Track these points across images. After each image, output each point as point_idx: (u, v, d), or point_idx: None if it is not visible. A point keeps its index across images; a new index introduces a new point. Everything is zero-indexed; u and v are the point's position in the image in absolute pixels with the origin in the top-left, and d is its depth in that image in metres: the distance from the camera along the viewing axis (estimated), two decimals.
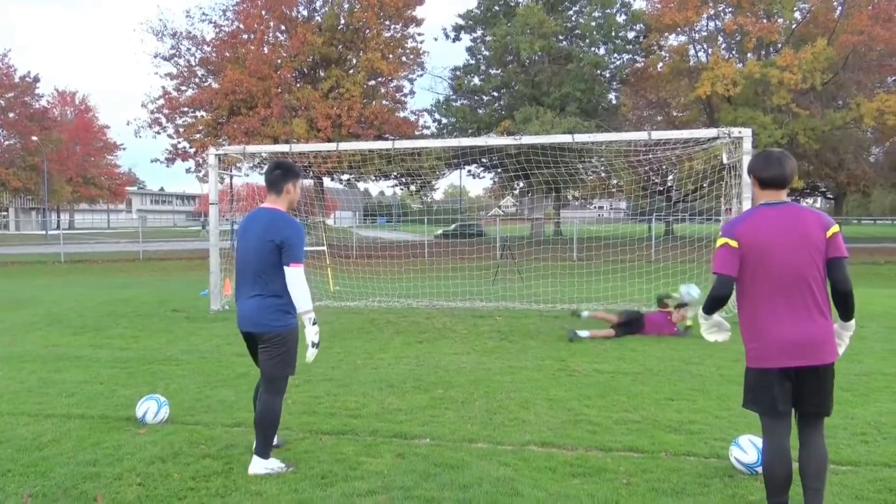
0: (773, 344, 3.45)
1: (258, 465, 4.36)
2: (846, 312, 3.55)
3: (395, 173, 32.29)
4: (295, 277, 4.29)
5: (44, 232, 52.27)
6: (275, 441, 4.60)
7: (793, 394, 3.49)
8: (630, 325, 9.54)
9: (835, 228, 3.46)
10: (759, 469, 3.84)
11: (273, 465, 4.39)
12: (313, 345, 4.38)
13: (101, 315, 12.10)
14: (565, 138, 13.61)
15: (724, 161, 11.58)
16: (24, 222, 73.94)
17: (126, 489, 4.12)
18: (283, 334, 4.37)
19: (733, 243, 3.52)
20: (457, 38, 39.44)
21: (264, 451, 4.39)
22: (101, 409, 5.88)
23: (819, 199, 74.94)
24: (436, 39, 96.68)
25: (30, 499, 3.99)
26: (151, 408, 5.46)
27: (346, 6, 32.66)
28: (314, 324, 4.37)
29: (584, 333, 9.24)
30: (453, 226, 41.07)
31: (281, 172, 4.56)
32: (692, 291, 9.42)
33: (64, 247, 31.89)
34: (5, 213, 72.21)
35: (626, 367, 7.57)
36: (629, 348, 8.70)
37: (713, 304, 3.67)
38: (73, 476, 4.32)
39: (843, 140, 35.22)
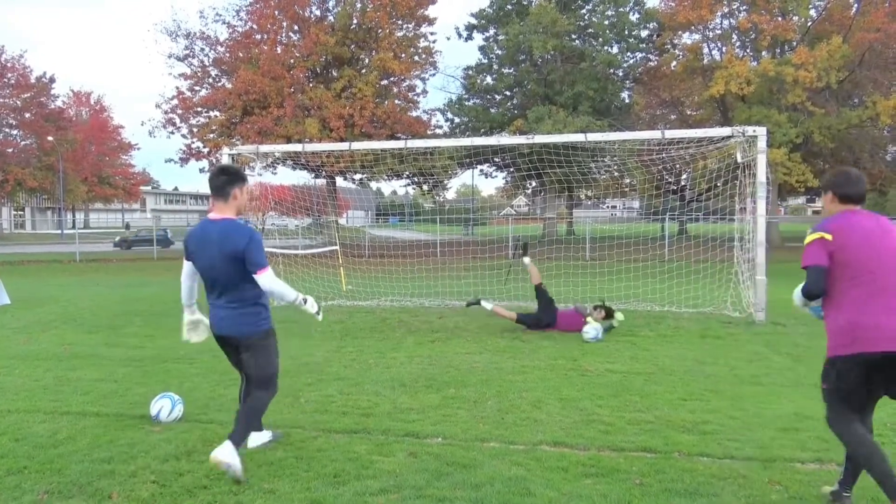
0: (869, 330, 3.60)
1: (228, 451, 4.11)
2: None
3: (407, 173, 32.31)
4: (268, 281, 4.33)
5: (59, 231, 52.80)
6: (270, 436, 4.94)
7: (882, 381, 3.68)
8: (538, 323, 9.89)
9: None
10: None
11: (256, 439, 4.73)
12: (316, 313, 4.71)
13: (116, 314, 12.20)
14: (578, 137, 13.56)
15: (739, 160, 11.51)
16: (39, 222, 74.63)
17: (140, 486, 4.15)
18: (263, 336, 4.49)
19: (828, 236, 3.70)
20: (469, 38, 39.41)
21: (241, 438, 4.30)
22: (116, 408, 5.93)
23: None
24: (448, 39, 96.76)
25: (46, 496, 4.03)
26: (165, 406, 5.50)
27: (358, 6, 32.69)
28: (306, 302, 4.62)
29: (487, 305, 10.10)
30: (136, 231, 40.71)
31: (226, 178, 4.42)
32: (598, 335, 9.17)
33: (79, 246, 32.17)
34: (21, 213, 72.87)
35: (639, 367, 7.54)
36: (642, 348, 8.67)
37: (809, 296, 3.80)
38: (89, 473, 4.36)
39: (859, 139, 34.87)
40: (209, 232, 4.39)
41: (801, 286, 3.84)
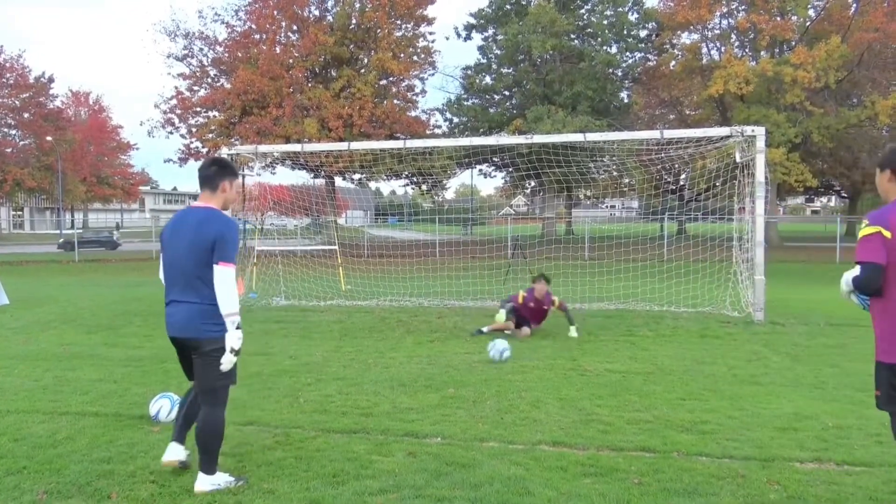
0: None
1: (204, 482, 4.07)
2: None
3: (406, 173, 32.35)
4: (224, 277, 3.99)
5: (58, 231, 52.69)
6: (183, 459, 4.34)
7: None
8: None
9: None
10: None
11: (220, 479, 4.11)
12: (232, 351, 4.04)
13: (115, 314, 12.20)
14: (577, 137, 13.57)
15: (738, 160, 11.52)
16: (38, 222, 74.57)
17: (140, 487, 4.15)
18: (223, 342, 4.06)
19: (887, 233, 3.35)
20: (468, 38, 39.39)
21: (210, 466, 4.10)
22: (115, 408, 5.93)
23: (834, 197, 74.48)
24: (447, 38, 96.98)
25: (45, 496, 4.02)
26: (165, 406, 5.49)
27: (357, 6, 32.70)
28: (238, 328, 4.07)
29: (485, 329, 9.82)
30: (81, 233, 41.14)
31: (217, 168, 4.27)
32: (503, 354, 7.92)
33: (78, 246, 32.14)
34: (20, 213, 72.82)
35: (638, 366, 7.54)
36: (641, 348, 8.68)
37: (858, 289, 3.47)
38: (88, 473, 4.36)
39: (857, 138, 34.92)
40: (188, 217, 4.20)
41: (852, 274, 3.51)
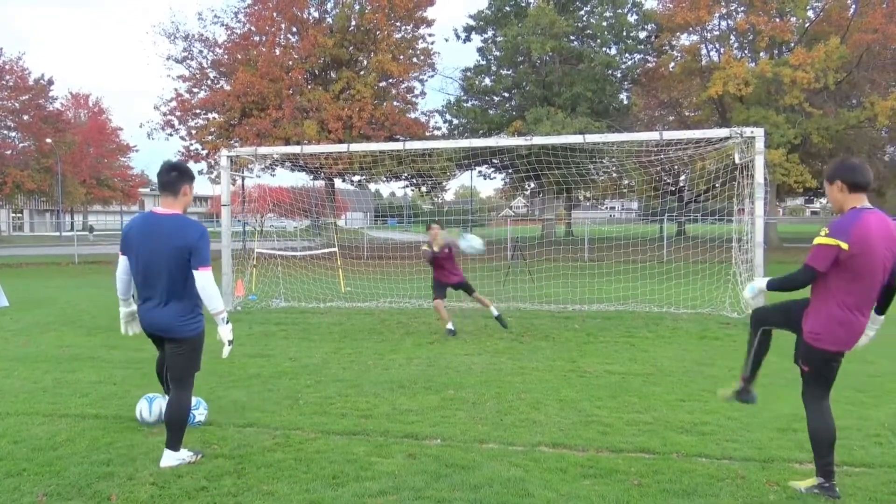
0: (855, 332, 3.90)
1: (170, 458, 4.50)
2: (887, 308, 4.06)
3: (405, 174, 32.30)
4: (205, 280, 4.41)
5: (58, 233, 52.71)
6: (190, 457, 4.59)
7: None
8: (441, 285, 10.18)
9: None
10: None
11: (183, 455, 4.55)
12: (229, 342, 4.62)
13: (115, 316, 12.11)
14: (576, 139, 13.59)
15: (737, 161, 11.53)
16: (38, 224, 74.56)
17: (139, 489, 4.15)
18: (197, 337, 4.59)
19: (845, 246, 3.72)
20: (468, 39, 39.37)
21: (176, 444, 4.55)
22: (115, 410, 5.93)
23: None
24: (447, 40, 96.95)
25: (45, 498, 4.03)
26: (144, 407, 5.47)
27: (356, 8, 32.70)
28: (227, 322, 4.59)
29: (449, 325, 9.88)
30: None
31: (178, 174, 4.57)
32: (473, 244, 9.70)
33: (78, 248, 32.10)
34: (20, 215, 72.80)
35: (638, 368, 7.55)
36: (641, 349, 8.68)
37: (786, 288, 4.03)
38: (88, 475, 4.36)
39: (856, 139, 34.88)
40: (158, 225, 4.47)
41: (765, 279, 4.14)
